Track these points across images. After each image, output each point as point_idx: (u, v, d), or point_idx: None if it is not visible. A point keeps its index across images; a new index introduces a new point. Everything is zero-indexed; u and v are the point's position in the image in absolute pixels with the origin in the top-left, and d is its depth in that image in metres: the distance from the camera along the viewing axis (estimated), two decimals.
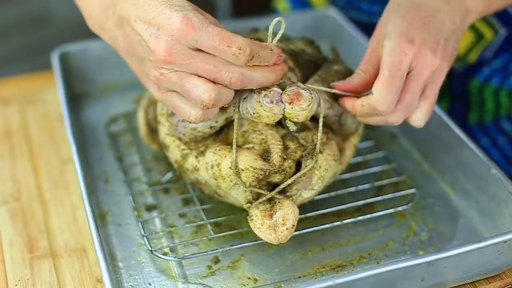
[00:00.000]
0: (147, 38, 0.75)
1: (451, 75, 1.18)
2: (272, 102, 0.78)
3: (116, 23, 0.80)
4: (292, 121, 0.81)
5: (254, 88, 0.79)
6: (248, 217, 0.82)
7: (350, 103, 0.84)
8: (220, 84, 0.75)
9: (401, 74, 0.78)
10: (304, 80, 0.89)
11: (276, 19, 0.79)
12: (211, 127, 0.84)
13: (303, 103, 0.78)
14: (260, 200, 0.82)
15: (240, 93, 0.81)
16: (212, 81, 0.75)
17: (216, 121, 0.84)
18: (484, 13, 0.88)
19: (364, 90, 0.84)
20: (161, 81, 0.76)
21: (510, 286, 0.84)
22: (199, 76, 0.75)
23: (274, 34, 0.79)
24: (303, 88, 0.79)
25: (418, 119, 0.83)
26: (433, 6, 0.82)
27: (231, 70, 0.74)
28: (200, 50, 0.74)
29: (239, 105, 0.81)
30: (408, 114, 0.83)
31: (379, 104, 0.79)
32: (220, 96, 0.75)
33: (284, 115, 0.79)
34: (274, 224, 0.80)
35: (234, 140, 0.82)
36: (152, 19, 0.74)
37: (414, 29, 0.80)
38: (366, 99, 0.81)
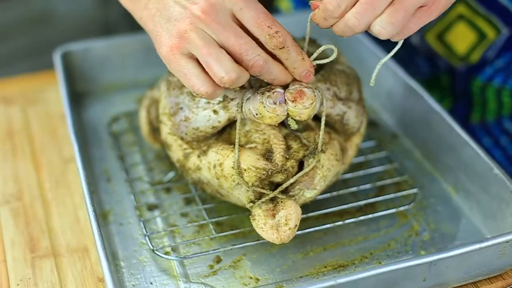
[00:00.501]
0: (181, 1, 0.74)
1: (453, 75, 1.18)
2: (275, 103, 0.78)
3: None
4: (295, 120, 0.81)
5: (258, 88, 0.79)
6: (250, 216, 0.82)
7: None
8: (242, 64, 0.74)
9: None
10: None
11: (326, 46, 0.80)
12: (213, 127, 0.84)
13: (306, 101, 0.78)
14: (263, 199, 0.82)
15: (243, 94, 0.81)
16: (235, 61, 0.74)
17: (219, 121, 0.84)
18: None
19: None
20: (185, 38, 0.74)
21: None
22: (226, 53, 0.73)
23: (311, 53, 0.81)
24: (306, 87, 0.79)
25: (378, 25, 0.73)
26: None
27: (258, 52, 0.73)
28: (238, 23, 0.73)
29: (242, 106, 0.81)
30: (368, 17, 0.73)
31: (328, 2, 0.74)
32: (239, 79, 0.74)
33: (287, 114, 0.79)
34: (277, 224, 0.80)
35: (237, 141, 0.82)
36: None
37: None
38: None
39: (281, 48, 0.75)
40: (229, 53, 0.73)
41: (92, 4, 2.21)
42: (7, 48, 2.19)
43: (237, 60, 0.74)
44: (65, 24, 2.22)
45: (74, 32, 2.16)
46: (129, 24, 2.13)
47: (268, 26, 0.73)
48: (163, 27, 0.76)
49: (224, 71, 0.72)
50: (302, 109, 0.78)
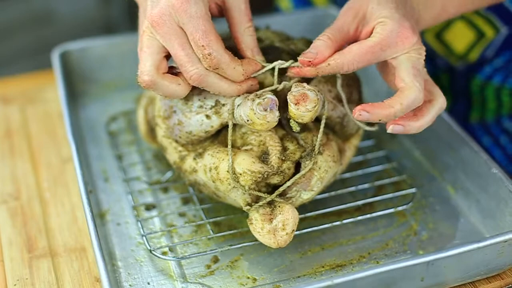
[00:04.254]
0: (149, 0, 0.78)
1: (453, 74, 1.17)
2: (265, 110, 0.77)
3: None
4: (297, 122, 0.80)
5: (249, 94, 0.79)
6: (247, 220, 0.82)
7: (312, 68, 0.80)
8: (183, 74, 0.78)
9: (380, 54, 0.78)
10: (305, 80, 0.89)
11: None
12: (206, 132, 0.84)
13: (309, 104, 0.78)
14: (260, 203, 0.81)
15: (234, 99, 0.81)
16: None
17: (211, 126, 0.83)
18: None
19: (324, 57, 0.79)
20: (140, 37, 0.80)
21: (510, 285, 0.83)
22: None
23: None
24: (309, 89, 0.78)
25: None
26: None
27: (196, 66, 0.77)
28: (185, 33, 0.77)
29: (233, 112, 0.81)
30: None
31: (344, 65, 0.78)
32: (153, 84, 0.78)
33: (288, 115, 0.79)
34: (274, 228, 0.80)
35: (229, 146, 0.81)
36: None
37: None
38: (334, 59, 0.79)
39: (215, 69, 0.77)
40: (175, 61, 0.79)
41: (93, 4, 2.21)
42: (7, 48, 2.20)
43: (181, 69, 0.78)
44: (66, 24, 2.22)
45: (74, 31, 2.16)
46: (130, 24, 2.13)
47: (202, 46, 0.75)
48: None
49: (141, 71, 0.78)
50: (305, 112, 0.78)
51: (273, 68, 0.82)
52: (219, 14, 0.84)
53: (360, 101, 0.92)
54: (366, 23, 0.80)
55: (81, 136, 1.06)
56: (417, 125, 0.80)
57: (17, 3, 2.18)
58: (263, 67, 0.82)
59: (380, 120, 0.77)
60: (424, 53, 0.80)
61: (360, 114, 0.76)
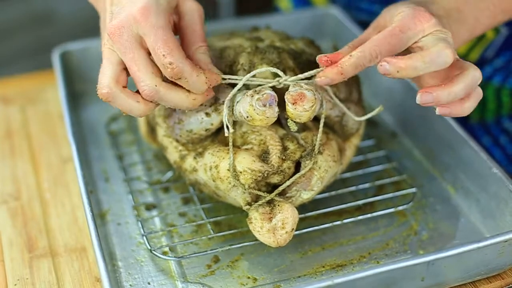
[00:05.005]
0: (109, 11, 0.78)
1: None
2: (265, 106, 0.77)
3: None
4: (294, 121, 0.80)
5: (247, 91, 0.79)
6: (247, 219, 0.82)
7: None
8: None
9: (399, 37, 0.75)
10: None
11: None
12: (206, 130, 0.84)
13: (306, 104, 0.78)
14: (259, 202, 0.81)
15: (234, 96, 0.81)
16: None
17: (212, 124, 0.83)
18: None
19: (342, 55, 0.77)
20: (102, 48, 0.79)
21: (510, 285, 0.83)
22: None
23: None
24: (306, 89, 0.78)
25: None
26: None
27: (148, 82, 0.75)
28: (143, 46, 0.75)
29: (233, 108, 0.81)
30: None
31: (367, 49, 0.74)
32: (111, 97, 0.77)
33: (286, 115, 0.79)
34: (273, 227, 0.80)
35: (230, 143, 0.81)
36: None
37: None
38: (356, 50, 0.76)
39: (178, 79, 0.75)
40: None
41: None
42: (8, 48, 2.20)
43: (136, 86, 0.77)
44: (66, 24, 2.22)
45: (75, 31, 2.16)
46: None
47: (163, 55, 0.74)
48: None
49: (100, 83, 0.77)
50: (302, 112, 0.78)
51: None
52: (174, 31, 0.82)
53: (360, 101, 0.92)
54: (385, 27, 0.79)
55: (82, 136, 1.06)
56: (445, 92, 0.75)
57: (17, 3, 2.18)
58: (223, 79, 0.81)
59: (398, 72, 0.73)
60: (451, 37, 0.77)
61: (381, 64, 0.73)
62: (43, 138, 1.08)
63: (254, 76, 0.81)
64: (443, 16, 0.81)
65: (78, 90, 1.16)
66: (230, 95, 0.79)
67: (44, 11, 2.21)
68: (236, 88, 0.80)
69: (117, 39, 0.75)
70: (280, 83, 0.80)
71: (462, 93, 0.75)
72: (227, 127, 0.80)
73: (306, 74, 0.79)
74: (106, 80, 0.76)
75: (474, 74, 0.76)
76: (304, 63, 0.91)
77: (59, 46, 1.13)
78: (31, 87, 1.19)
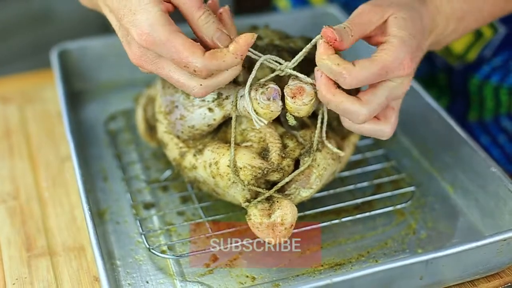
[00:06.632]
0: (121, 37, 0.78)
1: (451, 73, 1.17)
2: (269, 99, 0.77)
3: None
4: (293, 115, 0.80)
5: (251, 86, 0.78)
6: (246, 216, 0.82)
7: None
8: None
9: (382, 78, 0.76)
10: (305, 73, 0.88)
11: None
12: (208, 125, 0.84)
13: (305, 97, 0.78)
14: (258, 199, 0.82)
15: (237, 91, 0.81)
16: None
17: (214, 119, 0.83)
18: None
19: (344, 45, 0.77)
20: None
21: (509, 284, 0.83)
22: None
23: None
24: (306, 83, 0.79)
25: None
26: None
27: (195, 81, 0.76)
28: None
29: (236, 103, 0.81)
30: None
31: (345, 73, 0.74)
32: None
33: (285, 109, 0.79)
34: (272, 223, 0.80)
35: (232, 139, 0.82)
36: (120, 19, 0.76)
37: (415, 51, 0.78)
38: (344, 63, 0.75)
39: (211, 75, 0.75)
40: None
41: None
42: (7, 47, 2.19)
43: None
44: (65, 23, 2.22)
45: (73, 31, 2.16)
46: None
47: (185, 67, 0.74)
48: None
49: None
50: (301, 106, 0.78)
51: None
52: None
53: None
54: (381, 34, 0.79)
55: (80, 135, 1.06)
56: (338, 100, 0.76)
57: (16, 2, 2.17)
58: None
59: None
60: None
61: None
62: (42, 137, 1.08)
63: (267, 60, 0.80)
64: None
65: (77, 89, 1.16)
66: (247, 87, 0.79)
67: (42, 10, 2.21)
68: (250, 78, 0.79)
69: (144, 63, 0.76)
70: (289, 66, 0.80)
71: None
72: (258, 119, 0.79)
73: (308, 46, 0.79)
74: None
75: (361, 112, 0.76)
76: (303, 61, 0.91)
77: (58, 45, 1.13)
78: (29, 86, 1.19)
